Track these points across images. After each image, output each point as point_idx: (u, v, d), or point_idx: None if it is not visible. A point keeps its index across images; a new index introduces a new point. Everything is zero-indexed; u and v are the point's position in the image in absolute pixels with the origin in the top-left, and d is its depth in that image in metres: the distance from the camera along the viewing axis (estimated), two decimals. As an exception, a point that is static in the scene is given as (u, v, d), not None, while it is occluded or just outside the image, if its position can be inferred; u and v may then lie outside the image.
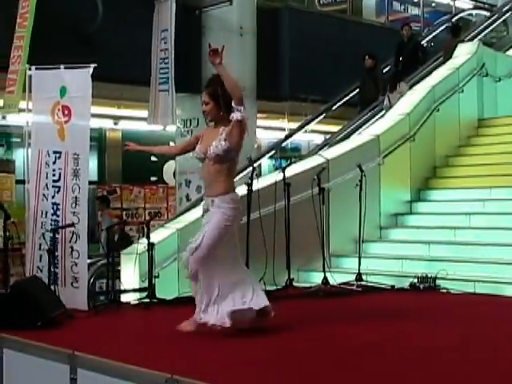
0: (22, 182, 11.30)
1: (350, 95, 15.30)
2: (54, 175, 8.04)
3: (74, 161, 7.93)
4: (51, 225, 7.96)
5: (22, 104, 9.62)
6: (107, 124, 18.52)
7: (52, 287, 7.59)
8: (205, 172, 6.51)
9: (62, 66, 8.12)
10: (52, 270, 7.68)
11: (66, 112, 7.99)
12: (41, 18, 12.17)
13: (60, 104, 8.05)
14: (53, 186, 8.04)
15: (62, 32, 13.01)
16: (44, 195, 8.07)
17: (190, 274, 6.43)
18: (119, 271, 8.99)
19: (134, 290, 8.62)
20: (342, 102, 15.27)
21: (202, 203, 6.68)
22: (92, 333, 6.64)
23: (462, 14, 20.43)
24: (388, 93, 13.86)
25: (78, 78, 8.05)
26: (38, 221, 8.08)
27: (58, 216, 8.00)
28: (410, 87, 13.27)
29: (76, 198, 7.88)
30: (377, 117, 13.01)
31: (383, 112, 13.18)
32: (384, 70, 15.55)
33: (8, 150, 18.08)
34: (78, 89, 8.01)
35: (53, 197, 8.03)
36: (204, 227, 6.41)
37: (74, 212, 7.88)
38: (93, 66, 7.86)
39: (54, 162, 8.05)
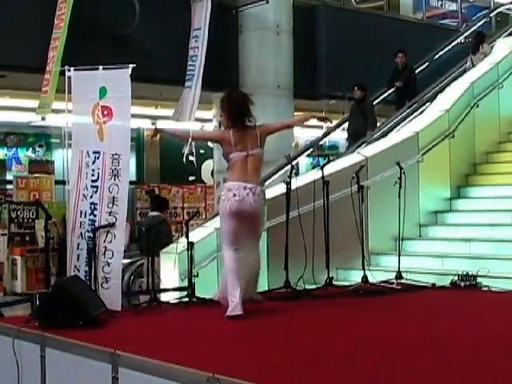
0: (62, 182, 11.41)
1: (388, 92, 15.21)
2: (92, 175, 8.07)
3: (112, 161, 7.95)
4: (89, 224, 7.99)
5: (60, 105, 9.68)
6: (145, 124, 18.61)
7: (93, 286, 7.62)
8: (243, 165, 7.36)
9: (100, 67, 8.16)
10: (95, 269, 7.70)
11: (106, 112, 8.01)
12: (78, 20, 12.27)
13: (100, 105, 8.08)
14: (91, 186, 8.07)
15: (100, 33, 13.10)
16: (84, 195, 8.10)
17: None
18: (159, 270, 9.03)
19: (174, 289, 8.65)
20: (379, 99, 15.18)
21: None
22: (133, 332, 6.67)
23: (500, 9, 20.22)
24: (471, 55, 14.20)
25: (118, 79, 8.08)
26: (77, 220, 8.11)
27: (95, 216, 8.01)
28: (452, 81, 13.12)
29: (114, 197, 7.89)
30: (417, 113, 12.92)
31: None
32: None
33: (47, 151, 18.24)
34: (117, 89, 8.03)
35: (91, 197, 8.06)
36: None
37: (110, 212, 7.90)
38: (131, 66, 7.88)
39: (93, 162, 8.07)
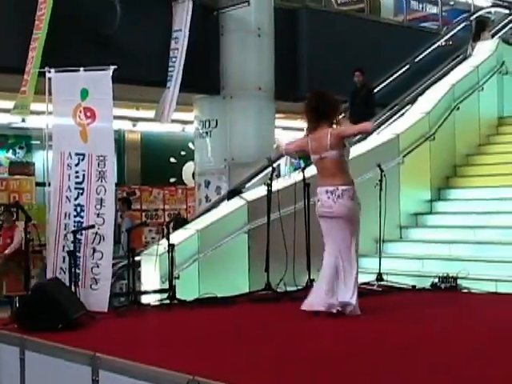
0: (42, 184, 11.37)
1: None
2: (77, 177, 8.04)
3: (98, 163, 7.94)
4: (74, 226, 7.97)
5: (40, 106, 9.63)
6: (126, 126, 18.59)
7: (73, 289, 7.59)
8: (321, 167, 7.35)
9: (81, 69, 8.13)
10: (73, 271, 7.67)
11: (89, 114, 7.99)
12: (59, 21, 12.22)
13: (82, 106, 8.05)
14: (75, 188, 8.05)
15: (81, 34, 13.05)
16: (67, 197, 8.08)
17: None
18: (139, 272, 9.01)
19: (155, 292, 8.63)
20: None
21: None
22: (113, 334, 6.65)
23: (480, 12, 20.30)
24: (471, 42, 14.29)
25: (99, 80, 8.06)
26: (61, 222, 8.08)
27: (82, 217, 8.00)
28: (433, 84, 13.17)
29: (101, 199, 7.89)
30: (396, 116, 12.95)
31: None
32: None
33: (28, 153, 18.16)
34: (99, 91, 8.02)
35: (76, 198, 8.04)
36: None
37: (98, 213, 7.89)
38: (112, 67, 7.87)
39: (77, 164, 8.05)
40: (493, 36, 15.51)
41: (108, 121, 8.08)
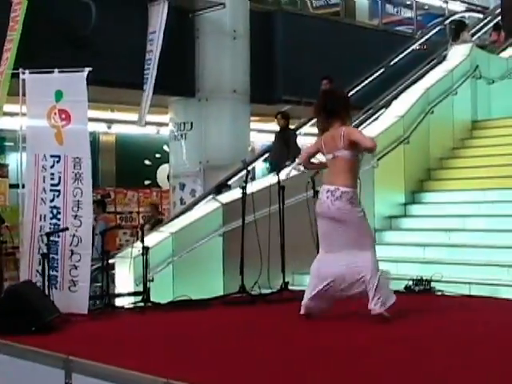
0: (16, 186, 11.29)
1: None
2: (52, 179, 8.00)
3: (74, 164, 7.90)
4: (50, 228, 7.94)
5: (14, 107, 9.58)
6: (101, 128, 18.53)
7: (48, 291, 7.54)
8: (332, 167, 7.14)
9: (55, 70, 8.08)
10: (48, 273, 7.62)
11: (64, 116, 7.95)
12: (34, 22, 12.17)
13: (56, 108, 8.01)
14: (51, 190, 8.01)
15: (55, 35, 13.02)
16: (42, 199, 8.04)
17: None
18: (113, 275, 8.97)
19: (129, 294, 8.60)
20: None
21: None
22: (87, 337, 6.61)
23: (454, 17, 20.45)
24: (451, 41, 14.60)
25: (74, 82, 8.03)
26: (36, 224, 8.03)
27: (58, 220, 7.97)
28: (408, 87, 13.25)
29: (78, 201, 7.87)
30: (371, 119, 13.00)
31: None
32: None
33: (1, 154, 18.05)
34: (74, 93, 7.99)
35: (51, 200, 8.00)
36: None
37: (75, 215, 7.86)
38: (87, 69, 7.84)
39: (52, 166, 8.01)
40: (472, 36, 15.74)
41: (83, 123, 8.04)
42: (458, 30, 15.20)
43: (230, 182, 12.35)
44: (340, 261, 6.93)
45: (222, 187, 11.24)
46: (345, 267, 6.92)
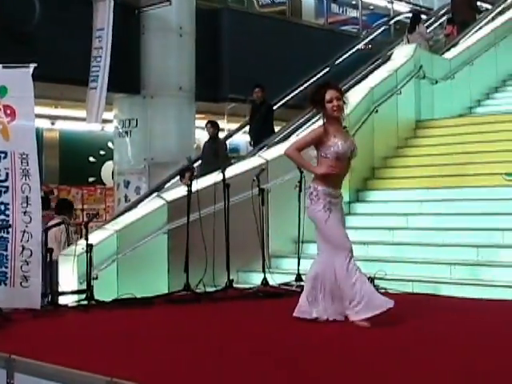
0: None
1: (289, 97, 15.32)
2: None
3: (21, 160, 7.85)
4: None
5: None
6: (44, 124, 18.32)
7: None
8: (342, 168, 6.92)
9: None
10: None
11: (9, 112, 7.87)
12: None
13: (1, 104, 7.92)
14: None
15: (-2, 31, 12.84)
16: None
17: None
18: (57, 273, 8.88)
19: (73, 292, 8.52)
20: (281, 103, 15.28)
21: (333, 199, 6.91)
22: (29, 336, 6.53)
23: (399, 17, 20.68)
24: (407, 33, 15.31)
25: (19, 78, 7.95)
26: None
27: (6, 216, 7.88)
28: (352, 86, 13.35)
29: (27, 197, 7.83)
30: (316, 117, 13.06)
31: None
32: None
33: None
34: (19, 89, 7.92)
35: None
36: (342, 218, 7.08)
37: (25, 211, 7.81)
38: (33, 65, 7.77)
39: None
40: (427, 28, 16.56)
41: (29, 119, 7.98)
42: (414, 22, 15.80)
43: (174, 179, 12.33)
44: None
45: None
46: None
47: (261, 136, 13.12)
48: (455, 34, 16.84)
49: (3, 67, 7.99)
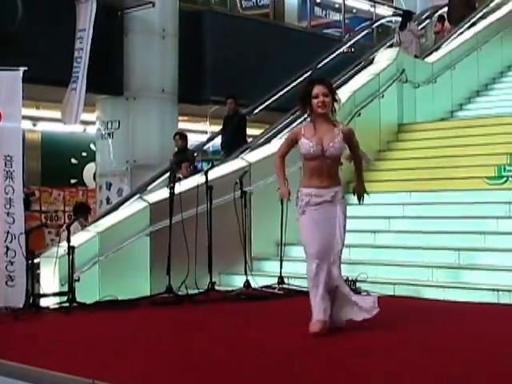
0: None
1: (272, 99, 15.31)
2: None
3: (5, 162, 7.90)
4: None
5: None
6: (26, 125, 18.22)
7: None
8: (321, 168, 6.64)
9: None
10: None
11: None
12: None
13: None
14: None
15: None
16: None
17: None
18: (39, 275, 8.85)
19: (54, 294, 8.50)
20: (263, 105, 15.27)
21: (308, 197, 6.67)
22: (10, 338, 6.51)
23: (382, 21, 20.75)
24: (398, 30, 15.75)
25: (7, 81, 8.01)
26: None
27: None
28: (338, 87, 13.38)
29: (10, 199, 7.92)
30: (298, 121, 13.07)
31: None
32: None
33: None
34: (7, 91, 7.98)
35: None
36: (331, 219, 6.69)
37: (8, 213, 7.93)
38: (22, 69, 7.83)
39: None
40: (418, 25, 17.00)
41: (16, 121, 8.10)
42: (405, 19, 16.17)
43: (157, 182, 12.30)
44: None
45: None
46: None
47: (233, 147, 12.79)
48: (445, 31, 17.34)
49: None
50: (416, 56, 15.51)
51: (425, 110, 14.15)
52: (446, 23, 17.85)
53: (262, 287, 9.12)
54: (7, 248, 7.95)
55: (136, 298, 8.43)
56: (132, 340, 6.28)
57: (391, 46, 15.70)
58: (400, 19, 18.18)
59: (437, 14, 18.78)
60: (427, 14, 19.04)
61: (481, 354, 5.56)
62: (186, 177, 8.75)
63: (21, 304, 7.75)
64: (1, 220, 7.95)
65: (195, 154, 13.63)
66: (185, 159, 12.60)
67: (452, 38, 16.33)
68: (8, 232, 7.96)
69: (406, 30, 15.99)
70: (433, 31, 18.59)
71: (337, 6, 22.97)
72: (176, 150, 13.39)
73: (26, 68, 7.85)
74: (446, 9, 18.71)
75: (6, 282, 7.93)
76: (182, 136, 13.25)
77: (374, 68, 13.56)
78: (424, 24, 18.45)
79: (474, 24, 17.07)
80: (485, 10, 17.81)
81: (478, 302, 8.06)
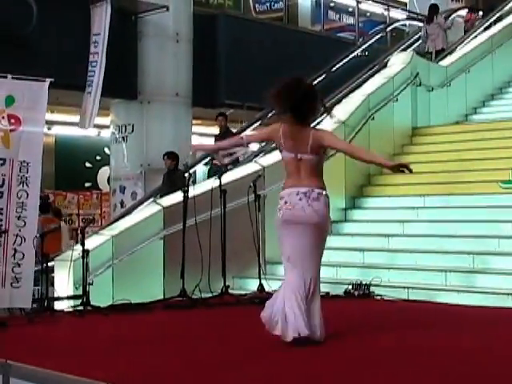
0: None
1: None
2: None
3: (20, 168, 8.09)
4: None
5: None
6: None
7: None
8: (295, 167, 6.48)
9: (9, 76, 8.22)
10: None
11: (13, 121, 8.22)
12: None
13: (6, 112, 8.15)
14: None
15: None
16: None
17: None
18: (53, 278, 8.89)
19: (68, 298, 8.53)
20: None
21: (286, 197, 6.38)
22: (25, 341, 6.54)
23: (395, 24, 20.71)
24: (425, 24, 16.30)
25: (31, 90, 8.23)
26: None
27: (0, 220, 8.13)
28: (349, 93, 13.38)
29: (22, 203, 8.10)
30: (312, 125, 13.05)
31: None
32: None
33: None
34: (30, 99, 8.24)
35: None
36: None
37: (19, 216, 8.11)
38: (49, 80, 8.02)
39: None
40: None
41: (38, 129, 8.26)
42: (432, 13, 16.48)
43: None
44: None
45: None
46: None
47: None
48: (473, 19, 18.57)
49: (12, 77, 8.19)
50: (443, 49, 16.01)
51: (439, 113, 14.11)
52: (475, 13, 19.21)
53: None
54: (15, 250, 8.09)
55: (149, 301, 8.45)
56: (146, 343, 6.29)
57: (418, 39, 16.66)
58: (415, 22, 18.44)
59: (455, 14, 19.48)
60: (444, 15, 19.02)
61: (494, 358, 5.54)
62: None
63: (28, 305, 7.95)
64: (11, 223, 8.08)
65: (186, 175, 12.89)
66: (173, 182, 11.80)
67: (468, 39, 16.47)
68: (17, 235, 8.11)
69: (433, 23, 16.34)
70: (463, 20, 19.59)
71: (350, 9, 22.95)
72: (167, 170, 12.84)
73: (53, 80, 8.02)
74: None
75: (11, 284, 8.05)
76: (170, 156, 12.74)
77: (388, 71, 13.54)
78: (451, 17, 18.60)
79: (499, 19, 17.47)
80: (500, 13, 17.78)
81: (493, 307, 8.02)
